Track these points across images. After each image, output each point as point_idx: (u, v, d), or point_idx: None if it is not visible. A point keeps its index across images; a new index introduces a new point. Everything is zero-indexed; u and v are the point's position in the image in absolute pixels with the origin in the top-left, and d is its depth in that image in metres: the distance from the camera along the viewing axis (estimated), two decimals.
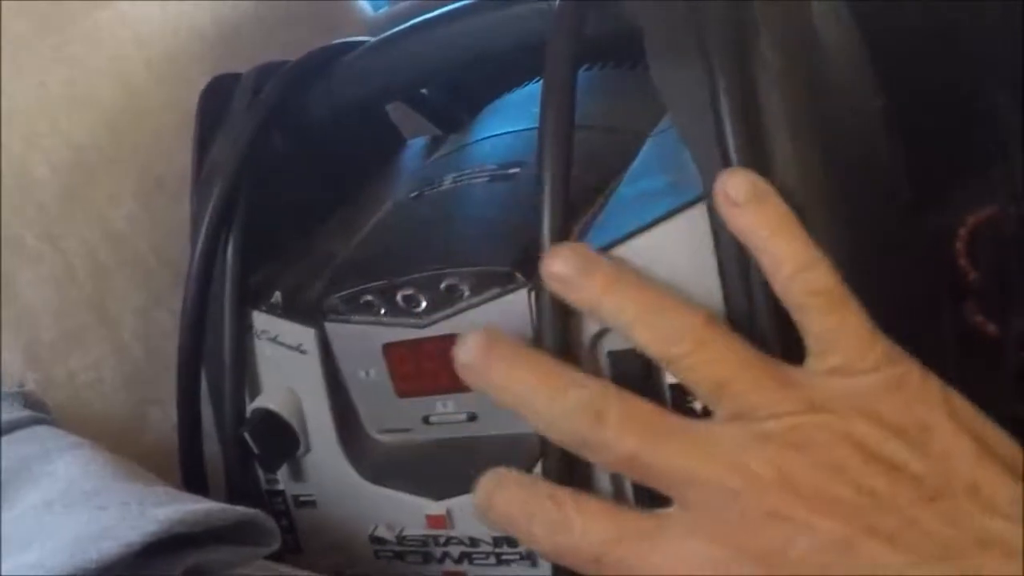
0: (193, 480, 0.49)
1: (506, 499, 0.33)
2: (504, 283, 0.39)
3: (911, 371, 0.31)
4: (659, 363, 0.34)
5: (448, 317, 0.41)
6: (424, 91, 0.57)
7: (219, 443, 0.49)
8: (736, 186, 0.33)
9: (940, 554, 0.28)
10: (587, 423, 0.32)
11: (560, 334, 0.36)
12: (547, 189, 0.36)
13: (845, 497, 0.29)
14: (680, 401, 0.37)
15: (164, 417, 0.54)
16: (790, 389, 0.31)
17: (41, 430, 0.43)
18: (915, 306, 0.42)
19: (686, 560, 0.30)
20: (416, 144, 0.59)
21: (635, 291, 0.34)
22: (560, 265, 0.34)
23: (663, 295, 0.34)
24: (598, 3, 0.39)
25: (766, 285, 0.33)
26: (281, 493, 0.49)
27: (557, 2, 0.39)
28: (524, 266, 0.39)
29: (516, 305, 0.39)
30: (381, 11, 0.73)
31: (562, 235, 0.36)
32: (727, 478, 0.30)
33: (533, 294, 0.38)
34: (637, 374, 0.37)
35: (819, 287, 0.32)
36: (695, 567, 0.30)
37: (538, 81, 0.53)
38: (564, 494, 0.32)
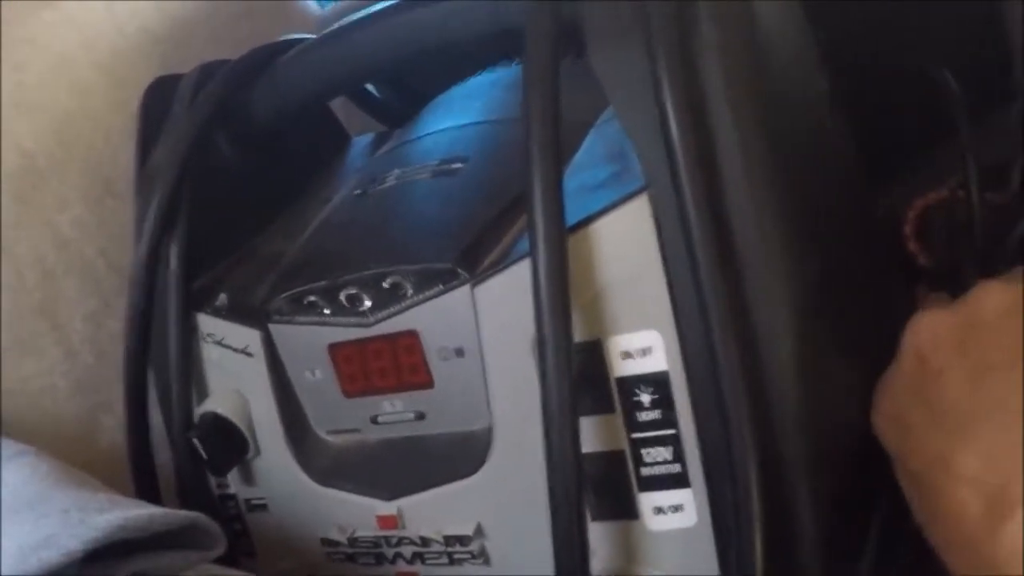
0: (144, 486, 0.49)
1: None
2: (446, 280, 0.39)
3: None
4: None
5: (392, 316, 0.41)
6: (368, 87, 0.57)
7: (170, 448, 0.48)
8: None
9: None
10: None
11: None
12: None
13: None
14: (627, 395, 0.36)
15: (117, 423, 0.53)
16: None
17: None
18: (866, 288, 0.42)
19: None
20: (361, 141, 0.58)
21: None
22: None
23: None
24: None
25: (712, 274, 0.33)
26: (233, 497, 0.48)
27: None
28: (465, 262, 0.39)
29: (459, 301, 0.39)
30: (328, 7, 0.72)
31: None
32: None
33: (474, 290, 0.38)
34: (582, 368, 0.37)
35: None
36: None
37: (480, 75, 0.53)
38: None
